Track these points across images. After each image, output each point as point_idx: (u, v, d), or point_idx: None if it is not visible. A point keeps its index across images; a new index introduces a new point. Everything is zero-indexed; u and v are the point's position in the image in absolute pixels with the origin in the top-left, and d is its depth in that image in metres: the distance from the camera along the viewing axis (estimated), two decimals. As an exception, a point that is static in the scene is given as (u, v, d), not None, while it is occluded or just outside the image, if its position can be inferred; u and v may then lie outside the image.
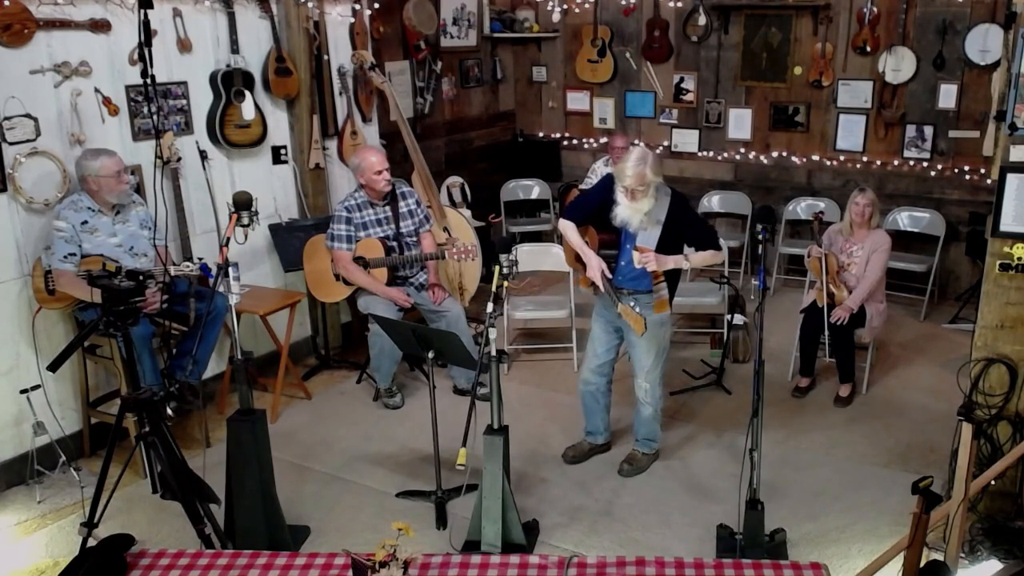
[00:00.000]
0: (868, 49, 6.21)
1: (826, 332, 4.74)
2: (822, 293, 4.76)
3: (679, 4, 6.78)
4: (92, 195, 3.98)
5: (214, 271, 3.46)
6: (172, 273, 3.90)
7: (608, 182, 3.78)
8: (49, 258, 3.92)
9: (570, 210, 3.97)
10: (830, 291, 4.73)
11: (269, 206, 5.17)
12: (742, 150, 6.97)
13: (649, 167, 3.58)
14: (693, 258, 3.75)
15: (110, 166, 3.95)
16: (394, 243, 4.78)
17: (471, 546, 3.45)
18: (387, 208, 4.78)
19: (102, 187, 3.95)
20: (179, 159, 4.49)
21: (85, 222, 3.95)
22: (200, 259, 4.19)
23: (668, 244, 3.70)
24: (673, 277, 3.85)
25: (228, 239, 3.39)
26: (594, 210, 3.82)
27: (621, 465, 4.12)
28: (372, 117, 5.74)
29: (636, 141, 7.32)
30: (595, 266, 3.76)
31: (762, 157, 6.90)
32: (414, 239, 4.86)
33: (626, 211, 3.68)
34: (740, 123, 6.93)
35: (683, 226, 3.73)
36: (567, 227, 3.88)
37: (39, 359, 3.97)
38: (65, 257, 3.90)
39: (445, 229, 5.30)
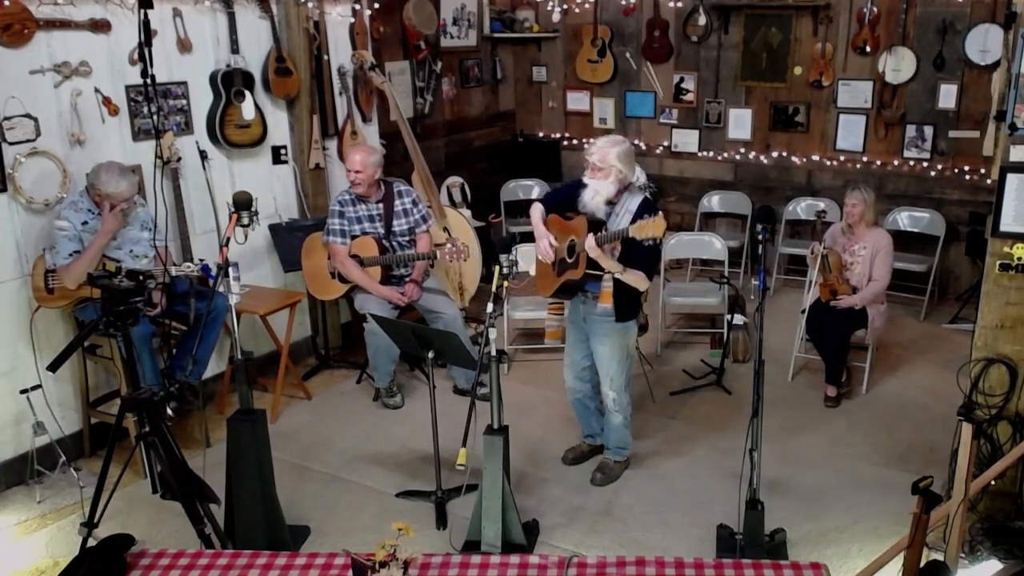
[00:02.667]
0: (868, 49, 6.21)
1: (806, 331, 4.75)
2: (825, 289, 4.77)
3: (679, 4, 6.78)
4: (96, 203, 3.97)
5: (215, 272, 3.46)
6: (173, 273, 3.90)
7: (581, 180, 3.81)
8: (54, 257, 3.92)
9: (545, 198, 4.00)
10: (833, 288, 4.75)
11: (269, 206, 5.17)
12: (742, 150, 6.97)
13: (616, 151, 3.61)
14: (628, 273, 3.63)
15: (125, 192, 3.94)
16: (385, 242, 4.77)
17: (471, 546, 3.45)
18: (379, 205, 4.77)
19: (107, 201, 3.93)
20: (179, 159, 4.49)
21: (85, 223, 3.95)
22: (201, 260, 4.19)
23: (625, 247, 3.64)
24: (623, 289, 3.71)
25: (228, 239, 3.39)
26: (564, 200, 3.83)
27: (593, 474, 4.07)
28: (372, 117, 5.74)
29: (636, 141, 7.34)
30: (542, 234, 3.75)
31: (762, 157, 6.90)
32: (407, 239, 4.83)
33: (588, 193, 3.67)
34: (740, 123, 6.92)
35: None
36: (534, 209, 3.90)
37: (39, 359, 3.97)
38: (70, 255, 3.89)
39: (445, 229, 5.30)
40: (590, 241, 3.53)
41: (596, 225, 3.67)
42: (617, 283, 3.66)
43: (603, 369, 3.91)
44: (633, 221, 3.56)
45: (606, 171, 3.63)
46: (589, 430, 4.24)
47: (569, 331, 4.04)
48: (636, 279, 3.67)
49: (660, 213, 3.43)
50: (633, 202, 3.69)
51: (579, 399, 4.13)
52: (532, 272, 4.14)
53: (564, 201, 3.84)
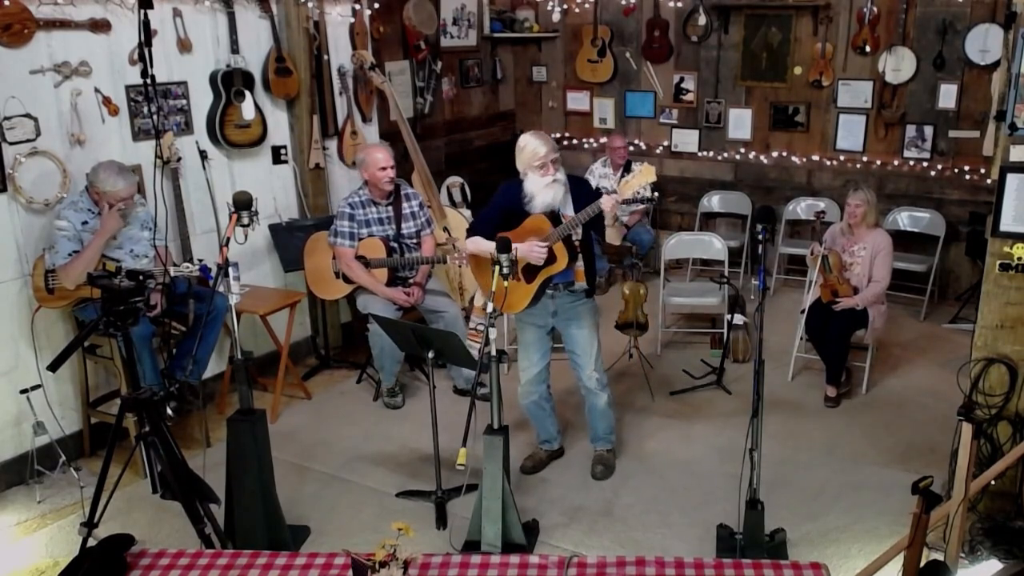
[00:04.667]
0: (868, 49, 6.21)
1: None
2: (826, 290, 4.77)
3: (679, 4, 6.78)
4: (96, 203, 3.97)
5: (214, 272, 3.46)
6: (172, 273, 3.90)
7: (505, 191, 3.80)
8: (53, 257, 3.92)
9: (474, 229, 3.85)
10: (834, 288, 4.75)
11: (269, 206, 5.17)
12: (742, 150, 6.97)
13: (551, 139, 3.77)
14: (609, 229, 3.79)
15: (123, 191, 3.94)
16: (394, 244, 4.78)
17: (471, 546, 3.45)
18: (389, 208, 4.78)
19: (105, 200, 3.94)
20: (179, 159, 4.49)
21: (85, 222, 3.95)
22: (200, 260, 4.19)
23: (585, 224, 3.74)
24: (589, 260, 3.84)
25: (228, 239, 3.38)
26: (498, 221, 3.72)
27: (593, 469, 4.08)
28: (372, 117, 5.74)
29: (636, 141, 7.34)
30: (523, 246, 3.61)
31: (762, 157, 6.90)
32: (415, 241, 4.85)
33: (549, 191, 3.67)
34: (740, 123, 6.92)
35: (583, 197, 3.73)
36: (473, 240, 3.78)
37: (39, 359, 3.97)
38: (69, 255, 3.89)
39: (445, 229, 5.30)
40: (606, 203, 3.58)
41: (551, 216, 3.70)
42: (585, 260, 3.79)
43: (585, 352, 3.91)
44: (575, 198, 3.74)
45: (558, 160, 3.72)
46: (546, 435, 4.20)
47: (526, 333, 3.96)
48: (614, 232, 3.83)
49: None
50: (562, 176, 3.77)
51: (535, 402, 4.06)
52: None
53: (504, 219, 3.73)
